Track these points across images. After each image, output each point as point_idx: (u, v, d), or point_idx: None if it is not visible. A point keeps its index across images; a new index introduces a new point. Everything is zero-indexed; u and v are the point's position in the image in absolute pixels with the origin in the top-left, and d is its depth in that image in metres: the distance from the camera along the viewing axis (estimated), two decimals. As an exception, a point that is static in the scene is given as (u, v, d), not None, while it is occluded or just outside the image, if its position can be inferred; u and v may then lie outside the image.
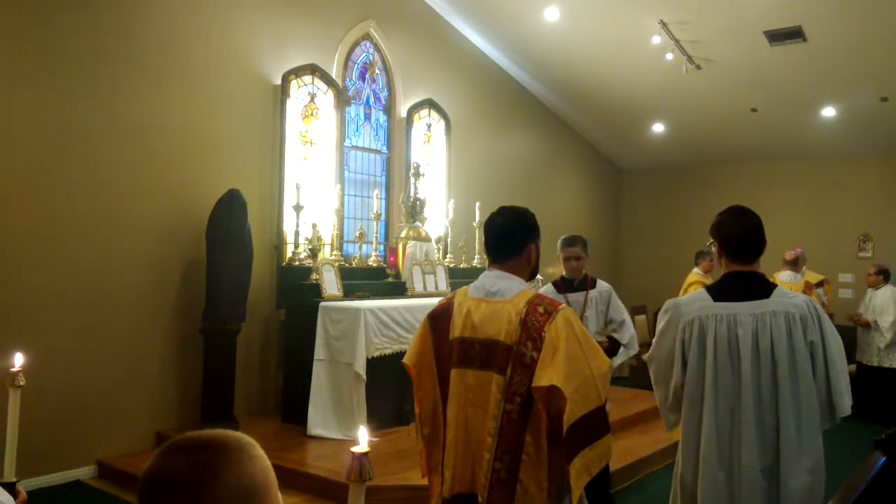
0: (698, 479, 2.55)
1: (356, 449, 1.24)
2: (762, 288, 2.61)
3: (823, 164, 10.55)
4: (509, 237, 2.40)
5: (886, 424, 4.53)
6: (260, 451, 1.04)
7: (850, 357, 8.18)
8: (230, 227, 5.78)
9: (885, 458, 2.88)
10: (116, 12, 5.61)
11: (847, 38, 7.67)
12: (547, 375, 2.12)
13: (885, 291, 7.82)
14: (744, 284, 2.63)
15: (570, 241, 4.81)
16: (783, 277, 7.71)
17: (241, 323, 5.91)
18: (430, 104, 8.45)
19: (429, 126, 8.51)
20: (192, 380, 5.91)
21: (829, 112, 9.19)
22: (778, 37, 7.77)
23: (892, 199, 10.14)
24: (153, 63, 5.82)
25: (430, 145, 8.54)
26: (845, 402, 2.54)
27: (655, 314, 10.14)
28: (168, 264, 5.92)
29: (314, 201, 6.86)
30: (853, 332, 7.94)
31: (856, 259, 10.07)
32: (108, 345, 5.51)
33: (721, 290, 2.66)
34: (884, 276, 7.93)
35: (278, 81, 6.70)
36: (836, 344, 2.58)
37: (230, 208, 5.81)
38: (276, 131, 6.71)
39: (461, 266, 7.78)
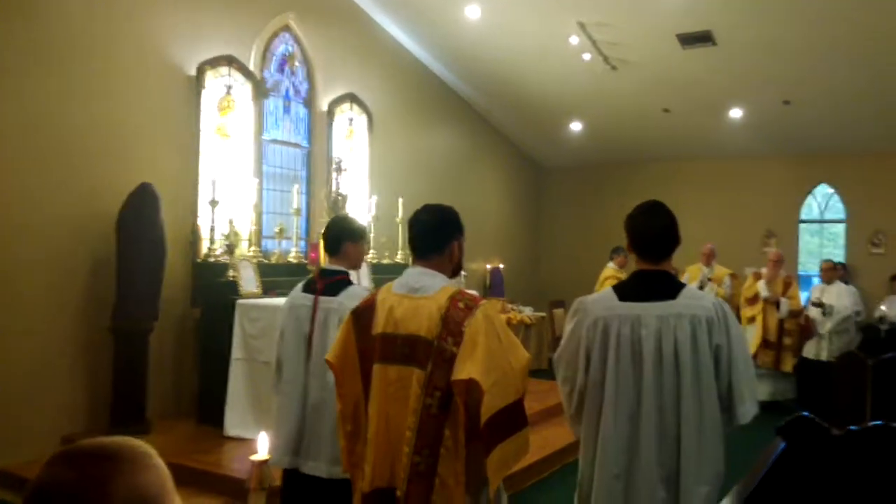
0: (593, 485, 2.47)
1: (255, 457, 1.22)
2: (669, 288, 2.50)
3: (731, 164, 11.05)
4: (433, 234, 2.43)
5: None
6: (157, 461, 0.99)
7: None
8: (142, 222, 5.57)
9: (784, 445, 3.04)
10: (18, -4, 5.30)
11: (753, 44, 8.05)
12: (466, 369, 2.15)
13: (840, 287, 7.94)
14: (650, 284, 2.52)
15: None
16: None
17: (153, 322, 5.72)
18: (352, 98, 8.36)
19: (350, 121, 8.42)
20: (102, 381, 5.65)
21: (736, 113, 9.62)
22: (689, 40, 8.08)
23: (792, 197, 10.74)
24: (61, 50, 5.52)
25: (352, 140, 8.45)
26: (746, 409, 2.45)
27: (574, 308, 10.39)
28: (76, 261, 5.64)
29: (231, 196, 6.67)
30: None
31: (760, 254, 10.58)
32: (10, 345, 5.21)
33: (627, 290, 2.54)
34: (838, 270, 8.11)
35: (193, 72, 6.48)
36: (741, 348, 2.49)
37: (142, 203, 5.60)
38: (191, 123, 6.49)
39: (384, 262, 7.74)
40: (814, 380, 7.52)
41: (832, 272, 8.04)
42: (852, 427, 3.13)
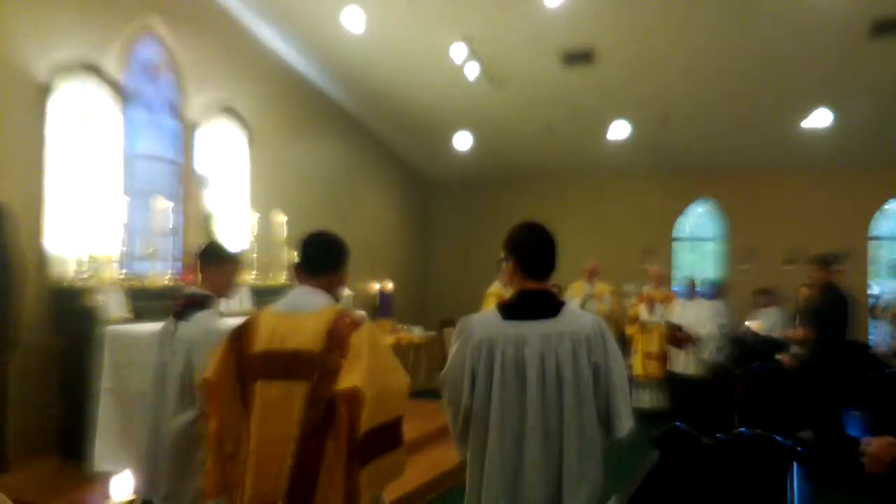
0: None
1: (114, 500, 1.11)
2: (551, 307, 2.53)
3: (612, 181, 11.52)
4: (329, 256, 2.59)
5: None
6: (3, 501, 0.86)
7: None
8: (-6, 244, 5.13)
9: (659, 455, 3.16)
10: None
11: (632, 64, 8.42)
12: (350, 378, 2.24)
13: (702, 303, 8.02)
14: (534, 303, 2.53)
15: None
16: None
17: (10, 353, 5.29)
18: (227, 110, 7.97)
19: (227, 133, 8.03)
20: (-50, 421, 5.13)
21: (616, 132, 9.99)
22: (571, 59, 8.38)
23: (668, 214, 11.33)
24: None
25: (227, 153, 8.06)
26: (623, 424, 2.47)
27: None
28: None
29: (93, 214, 6.16)
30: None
31: (639, 271, 11.00)
32: None
33: (511, 309, 2.54)
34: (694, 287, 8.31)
35: (43, 78, 5.95)
36: (618, 365, 2.51)
37: (-7, 224, 5.15)
38: (40, 135, 5.93)
39: (267, 283, 7.42)
40: (684, 391, 7.71)
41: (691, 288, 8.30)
42: (720, 435, 3.32)
